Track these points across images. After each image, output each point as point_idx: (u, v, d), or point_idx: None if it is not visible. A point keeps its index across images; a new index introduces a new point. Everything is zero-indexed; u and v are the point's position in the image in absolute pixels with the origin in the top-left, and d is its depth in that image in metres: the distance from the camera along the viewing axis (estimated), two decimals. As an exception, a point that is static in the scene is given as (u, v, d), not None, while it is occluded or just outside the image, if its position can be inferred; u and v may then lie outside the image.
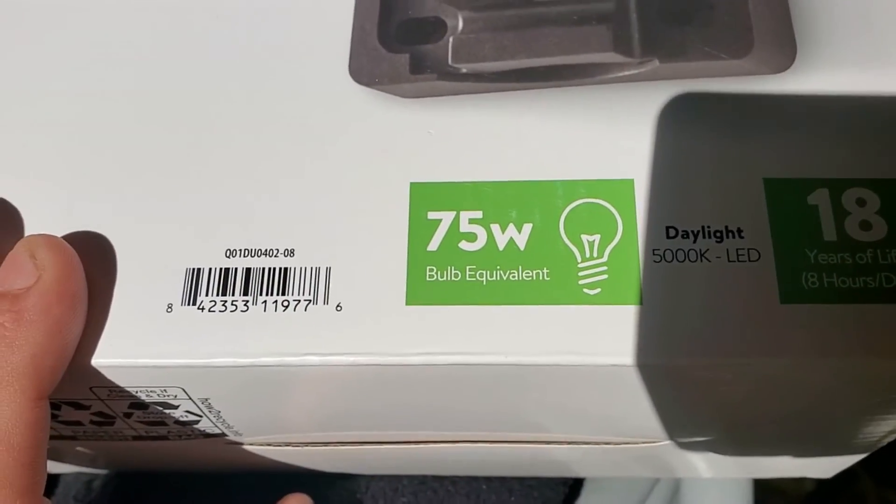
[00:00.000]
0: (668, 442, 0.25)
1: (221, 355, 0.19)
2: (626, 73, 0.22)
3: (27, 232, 0.21)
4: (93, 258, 0.20)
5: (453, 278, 0.20)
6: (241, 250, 0.20)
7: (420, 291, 0.20)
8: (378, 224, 0.20)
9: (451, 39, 0.22)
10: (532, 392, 0.20)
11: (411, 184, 0.21)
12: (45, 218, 0.21)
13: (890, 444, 0.26)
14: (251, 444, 0.25)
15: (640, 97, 0.21)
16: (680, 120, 0.21)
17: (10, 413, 0.18)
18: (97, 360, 0.20)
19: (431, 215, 0.20)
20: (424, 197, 0.21)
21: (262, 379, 0.20)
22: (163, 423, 0.23)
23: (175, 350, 0.19)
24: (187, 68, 0.22)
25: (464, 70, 0.22)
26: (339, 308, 0.20)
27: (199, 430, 0.23)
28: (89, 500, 0.31)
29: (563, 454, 0.26)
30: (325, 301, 0.20)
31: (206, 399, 0.21)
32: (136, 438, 0.24)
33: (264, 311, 0.20)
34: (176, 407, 0.22)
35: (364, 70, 0.22)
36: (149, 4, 0.23)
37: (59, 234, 0.20)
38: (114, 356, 0.20)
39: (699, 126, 0.21)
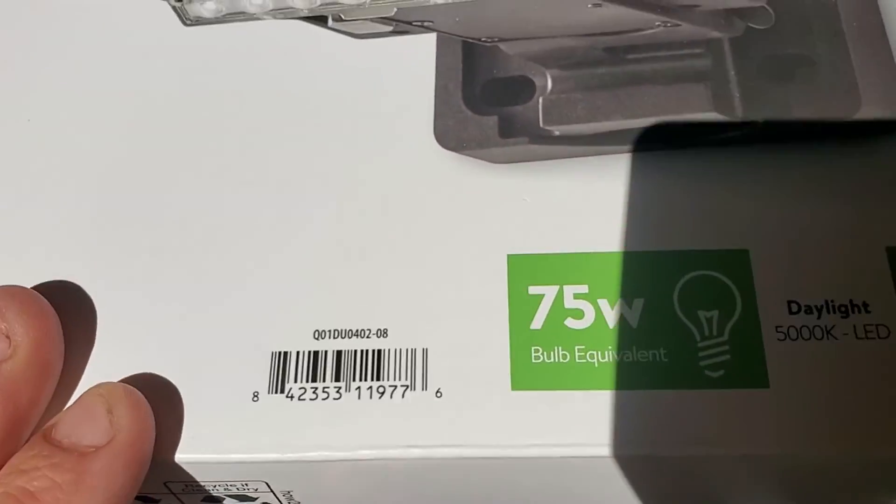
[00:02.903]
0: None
1: (314, 449, 0.18)
2: (730, 134, 0.20)
3: (100, 323, 0.19)
4: (171, 341, 0.19)
5: (562, 359, 0.18)
6: (330, 331, 0.19)
7: (526, 375, 0.18)
8: (475, 300, 0.19)
9: (540, 100, 0.21)
10: (651, 483, 0.19)
11: (508, 256, 0.19)
12: (122, 297, 0.19)
13: None
14: (321, 530, 0.24)
15: (746, 160, 0.20)
16: (792, 185, 0.20)
17: None
18: (180, 456, 0.18)
19: (533, 290, 0.19)
20: (524, 270, 0.19)
21: (356, 472, 0.18)
22: (235, 515, 0.21)
23: (263, 443, 0.18)
24: (262, 130, 0.21)
25: (556, 133, 0.21)
26: (438, 394, 0.18)
27: (272, 520, 0.22)
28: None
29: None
30: (424, 387, 0.18)
31: (289, 492, 0.20)
32: (200, 528, 0.22)
33: (358, 398, 0.18)
34: (254, 500, 0.20)
35: (450, 134, 0.21)
36: (228, 65, 0.22)
37: (140, 313, 0.19)
38: (197, 451, 0.18)
39: (813, 191, 0.20)
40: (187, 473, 0.18)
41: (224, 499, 0.20)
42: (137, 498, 0.20)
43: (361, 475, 0.19)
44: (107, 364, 0.19)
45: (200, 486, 0.19)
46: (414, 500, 0.20)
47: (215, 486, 0.19)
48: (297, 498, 0.20)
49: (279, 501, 0.20)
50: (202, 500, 0.20)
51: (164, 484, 0.19)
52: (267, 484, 0.19)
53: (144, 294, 0.19)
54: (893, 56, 0.21)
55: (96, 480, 0.16)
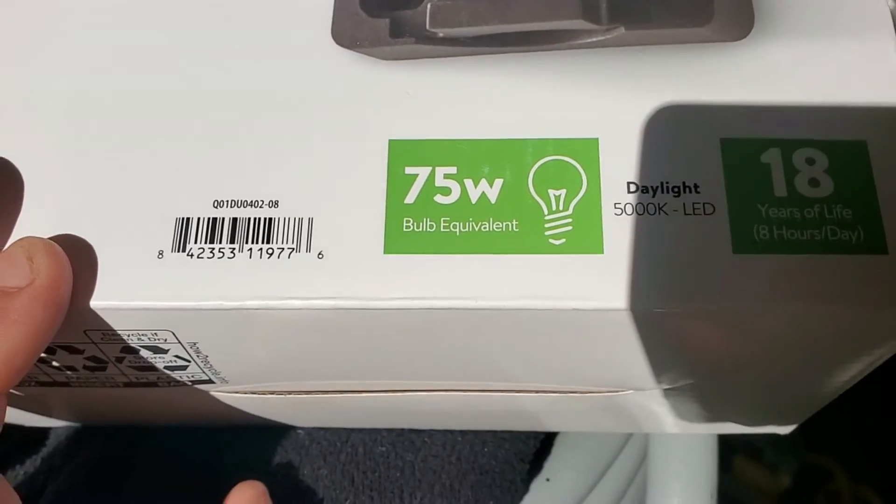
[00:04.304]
0: (631, 391, 0.26)
1: (209, 298, 0.21)
2: (594, 39, 0.23)
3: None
4: (89, 208, 0.21)
5: (429, 229, 0.21)
6: (228, 201, 0.22)
7: (398, 241, 0.21)
8: (358, 178, 0.22)
9: (428, 6, 0.23)
10: (502, 337, 0.22)
11: (390, 140, 0.22)
12: (40, 164, 0.22)
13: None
14: (236, 393, 0.27)
15: (606, 62, 0.23)
16: (643, 84, 0.22)
17: None
18: (94, 303, 0.21)
19: (409, 170, 0.22)
20: (402, 153, 0.22)
21: (247, 322, 0.21)
22: (153, 369, 0.24)
23: (166, 293, 0.21)
24: (170, 29, 0.24)
25: (440, 34, 0.23)
26: (320, 256, 0.21)
27: (188, 377, 0.25)
28: (77, 455, 0.32)
29: (532, 403, 0.27)
30: (308, 249, 0.21)
31: (195, 343, 0.22)
32: (126, 385, 0.25)
33: (250, 257, 0.21)
34: (165, 351, 0.23)
35: (346, 33, 0.23)
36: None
37: (60, 180, 0.22)
38: (109, 298, 0.21)
39: (661, 89, 0.22)
40: (103, 321, 0.21)
41: (139, 349, 0.23)
42: (64, 348, 0.23)
43: (254, 326, 0.21)
44: (30, 225, 0.21)
45: (116, 334, 0.22)
46: (298, 354, 0.23)
47: (129, 336, 0.22)
48: (203, 350, 0.23)
49: (187, 353, 0.23)
50: (121, 350, 0.23)
51: (85, 332, 0.22)
52: (173, 333, 0.22)
53: (67, 163, 0.22)
54: (746, -27, 0.24)
55: (17, 315, 0.19)
